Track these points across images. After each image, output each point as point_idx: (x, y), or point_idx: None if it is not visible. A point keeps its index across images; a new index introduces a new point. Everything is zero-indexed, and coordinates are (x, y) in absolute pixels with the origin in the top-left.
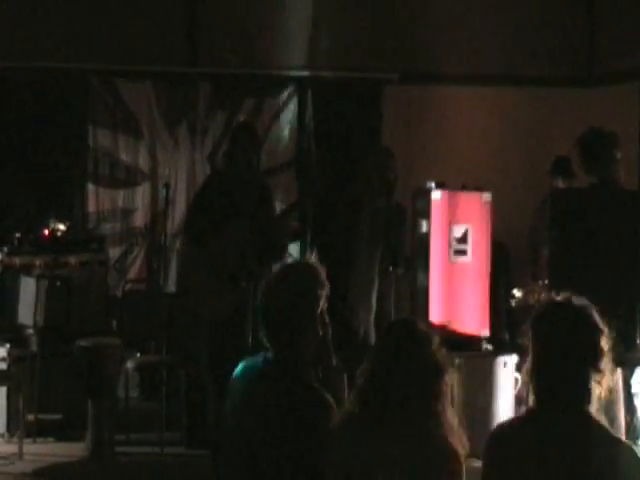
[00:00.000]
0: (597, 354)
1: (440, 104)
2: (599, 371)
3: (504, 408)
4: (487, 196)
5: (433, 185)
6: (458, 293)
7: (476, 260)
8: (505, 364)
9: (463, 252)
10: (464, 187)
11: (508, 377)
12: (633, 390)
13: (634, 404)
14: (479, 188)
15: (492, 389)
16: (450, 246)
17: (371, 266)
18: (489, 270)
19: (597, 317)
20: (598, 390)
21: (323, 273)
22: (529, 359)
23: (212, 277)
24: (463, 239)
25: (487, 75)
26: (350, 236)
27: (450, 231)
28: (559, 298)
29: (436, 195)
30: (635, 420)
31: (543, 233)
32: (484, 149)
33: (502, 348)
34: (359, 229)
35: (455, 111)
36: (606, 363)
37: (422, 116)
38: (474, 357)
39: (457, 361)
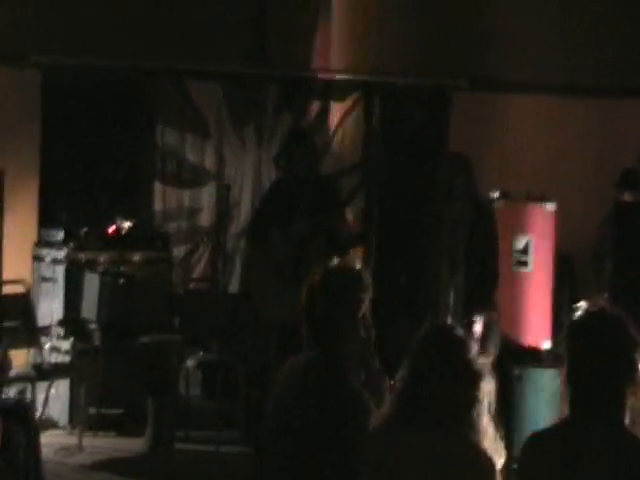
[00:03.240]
0: (632, 365)
1: (508, 112)
2: (633, 383)
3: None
4: (551, 206)
5: (496, 194)
6: (520, 304)
7: (538, 271)
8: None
9: (524, 263)
10: (529, 197)
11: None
12: None
13: None
14: (544, 198)
15: (552, 401)
16: (512, 257)
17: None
18: (552, 281)
19: (632, 329)
20: (632, 402)
21: (367, 277)
22: (565, 369)
23: (276, 278)
24: (524, 250)
25: (556, 84)
26: (420, 244)
27: (512, 241)
28: (594, 309)
29: (499, 205)
30: None
31: (608, 246)
32: (551, 159)
33: (562, 360)
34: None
35: (523, 119)
36: None
37: (490, 124)
38: (535, 368)
39: (517, 372)
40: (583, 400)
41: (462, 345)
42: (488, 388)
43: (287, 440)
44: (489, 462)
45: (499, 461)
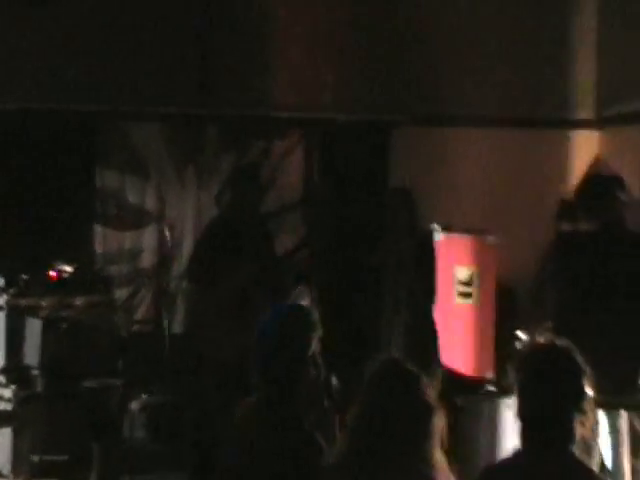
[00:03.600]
0: (580, 395)
1: (448, 145)
2: (582, 412)
3: (508, 450)
4: (492, 239)
5: (438, 227)
6: (463, 335)
7: (481, 302)
8: (510, 406)
9: (468, 295)
10: (469, 230)
11: (513, 419)
12: None
13: None
14: (485, 231)
15: (495, 431)
16: (454, 288)
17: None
18: (494, 312)
19: (578, 358)
20: (581, 431)
21: (316, 315)
22: (515, 400)
23: (219, 318)
24: (468, 282)
25: (496, 117)
26: (363, 279)
27: (454, 273)
28: (541, 340)
29: (440, 237)
30: None
31: (549, 276)
32: (492, 192)
33: (507, 391)
34: (373, 271)
35: (463, 153)
36: (589, 404)
37: (430, 157)
38: (477, 399)
39: (460, 403)
40: (534, 431)
41: (414, 379)
42: (440, 421)
43: None
44: None
45: None
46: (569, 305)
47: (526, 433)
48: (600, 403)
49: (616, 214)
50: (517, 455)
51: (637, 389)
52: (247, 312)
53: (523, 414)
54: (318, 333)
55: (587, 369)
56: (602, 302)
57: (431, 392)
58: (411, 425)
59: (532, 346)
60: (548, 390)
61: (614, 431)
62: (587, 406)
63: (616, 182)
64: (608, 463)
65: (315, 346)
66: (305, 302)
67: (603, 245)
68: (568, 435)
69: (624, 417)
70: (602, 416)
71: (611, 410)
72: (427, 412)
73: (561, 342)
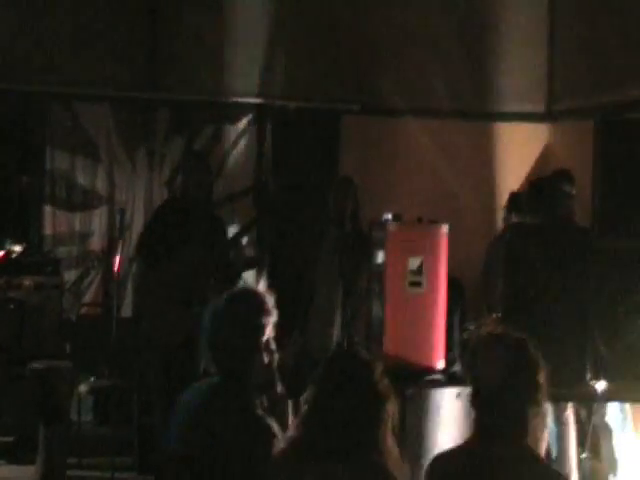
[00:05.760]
0: (534, 387)
1: (398, 136)
2: (536, 404)
3: (455, 439)
4: (444, 228)
5: (390, 217)
6: (413, 324)
7: (431, 292)
8: (458, 395)
9: (418, 284)
10: (420, 220)
11: (461, 408)
12: (611, 425)
13: (589, 439)
14: (435, 221)
15: (443, 420)
16: (405, 278)
17: (330, 294)
18: (444, 302)
19: (534, 350)
20: (535, 422)
21: (271, 301)
22: (468, 391)
23: (165, 302)
24: (418, 271)
25: (449, 110)
26: (308, 265)
27: (406, 263)
28: (496, 331)
29: (392, 227)
30: (609, 452)
31: (497, 267)
32: (441, 182)
33: (455, 380)
34: (317, 258)
35: (413, 143)
36: (543, 396)
37: (380, 147)
38: (426, 388)
39: (410, 392)
40: (486, 422)
41: (367, 367)
42: (392, 409)
43: (190, 467)
44: None
45: None
46: (516, 297)
47: (479, 422)
48: (548, 395)
49: (564, 208)
50: (469, 444)
51: (585, 381)
52: (193, 298)
53: (476, 403)
54: (273, 318)
55: (542, 362)
56: (549, 295)
57: (384, 380)
58: (363, 413)
59: (485, 336)
60: (501, 380)
61: (560, 422)
62: (541, 399)
63: (564, 176)
64: (554, 454)
65: (269, 331)
66: (260, 287)
67: (550, 238)
68: (522, 427)
69: (571, 409)
70: (549, 407)
71: (558, 402)
72: (379, 401)
73: (515, 333)
